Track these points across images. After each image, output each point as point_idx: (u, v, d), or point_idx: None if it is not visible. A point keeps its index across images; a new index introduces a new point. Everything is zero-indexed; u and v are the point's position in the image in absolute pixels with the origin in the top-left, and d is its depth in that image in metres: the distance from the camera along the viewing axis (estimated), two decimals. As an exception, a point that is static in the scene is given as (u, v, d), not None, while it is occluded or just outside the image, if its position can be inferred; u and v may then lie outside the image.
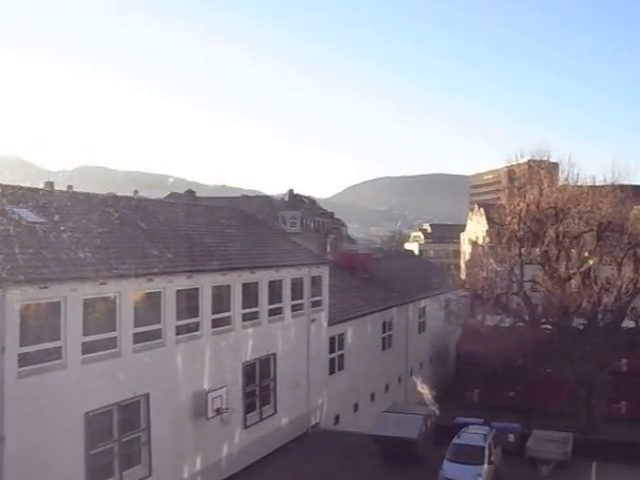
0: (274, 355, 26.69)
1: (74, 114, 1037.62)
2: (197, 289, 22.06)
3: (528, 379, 41.99)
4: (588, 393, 35.09)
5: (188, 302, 21.67)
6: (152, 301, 20.17)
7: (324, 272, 31.21)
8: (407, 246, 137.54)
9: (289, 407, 27.79)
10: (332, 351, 32.30)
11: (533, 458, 25.37)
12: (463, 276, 51.27)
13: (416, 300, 44.55)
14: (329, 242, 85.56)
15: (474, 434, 24.93)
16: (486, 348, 35.91)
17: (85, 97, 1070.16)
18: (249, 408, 25.13)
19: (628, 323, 36.71)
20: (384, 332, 39.14)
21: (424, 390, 37.47)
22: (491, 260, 40.31)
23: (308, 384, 29.46)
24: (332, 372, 32.28)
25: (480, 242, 62.57)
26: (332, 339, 32.23)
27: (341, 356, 33.22)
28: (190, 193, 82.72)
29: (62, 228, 19.08)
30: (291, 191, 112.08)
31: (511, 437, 26.91)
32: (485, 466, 23.02)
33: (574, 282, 35.72)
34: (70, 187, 30.21)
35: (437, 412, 29.14)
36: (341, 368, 33.16)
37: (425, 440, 25.76)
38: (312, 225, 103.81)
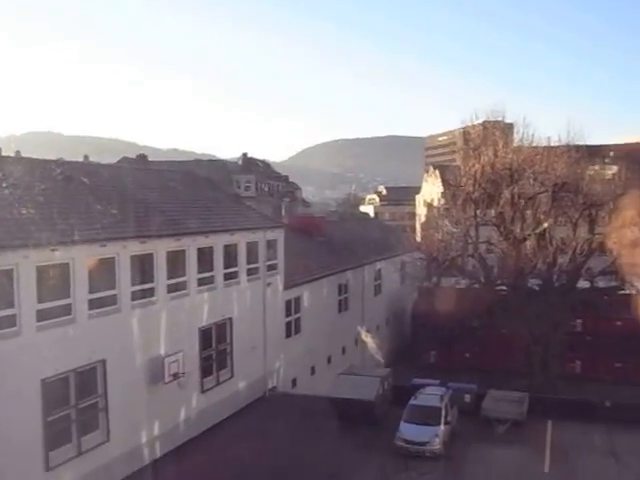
0: (230, 319, 26.48)
1: (20, 78, 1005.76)
2: (151, 254, 21.77)
3: (484, 340, 42.53)
4: (544, 353, 35.66)
5: (143, 267, 21.37)
6: (106, 267, 19.85)
7: (279, 236, 30.92)
8: (362, 209, 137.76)
9: (246, 371, 27.68)
10: (288, 314, 32.16)
11: (489, 418, 25.70)
12: (418, 238, 51.41)
13: (372, 262, 44.52)
14: (284, 206, 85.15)
15: (430, 395, 25.13)
16: (442, 310, 36.16)
17: (32, 61, 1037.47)
18: (206, 372, 25.03)
19: (583, 283, 37.22)
20: (340, 295, 39.10)
21: (368, 339, 37.48)
22: (446, 222, 40.34)
23: (265, 348, 29.34)
24: (289, 335, 32.16)
25: (435, 204, 62.90)
26: (288, 302, 32.07)
27: (297, 319, 33.09)
28: (142, 157, 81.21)
29: (10, 194, 18.46)
30: (245, 155, 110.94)
31: (467, 397, 27.10)
32: (442, 426, 23.25)
33: (529, 243, 36.03)
34: (18, 153, 28.89)
35: (382, 360, 29.18)
36: (298, 331, 33.07)
37: (382, 402, 25.93)
38: (267, 189, 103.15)
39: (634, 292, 37.62)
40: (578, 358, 42.11)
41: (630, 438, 23.95)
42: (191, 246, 23.80)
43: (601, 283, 37.26)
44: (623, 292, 37.96)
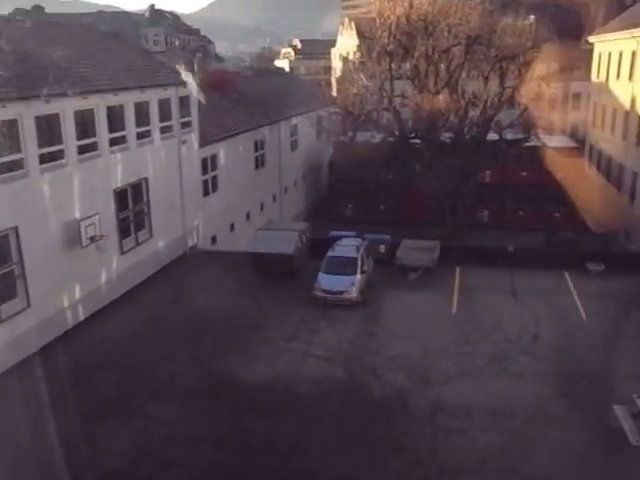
0: (146, 179, 26.17)
1: None
2: (58, 114, 20.80)
3: (398, 193, 43.77)
4: (454, 204, 37.11)
5: (50, 129, 20.49)
6: (9, 129, 18.86)
7: (192, 92, 30.03)
8: (277, 63, 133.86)
9: (165, 230, 27.79)
10: (205, 172, 31.98)
11: (403, 266, 26.89)
12: (334, 92, 50.97)
13: (288, 118, 44.16)
14: (196, 61, 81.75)
15: (347, 246, 25.86)
16: (358, 164, 36.64)
17: None
18: (124, 234, 24.97)
19: (492, 136, 38.20)
20: (257, 151, 38.93)
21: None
22: (361, 75, 40.02)
23: (183, 207, 29.35)
24: (206, 194, 32.15)
25: (351, 57, 61.81)
26: (204, 160, 31.79)
27: (214, 177, 32.96)
28: (38, 9, 75.61)
29: None
30: (152, 6, 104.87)
31: (382, 248, 28.04)
32: (358, 276, 24.21)
33: (442, 97, 36.31)
34: None
35: None
36: (215, 189, 33.05)
37: (300, 255, 26.60)
38: (177, 43, 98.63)
39: (538, 144, 39.12)
40: (486, 208, 44.31)
41: (528, 279, 25.84)
42: (100, 105, 22.87)
43: (509, 135, 38.38)
44: (528, 144, 39.40)
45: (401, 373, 18.65)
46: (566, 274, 26.52)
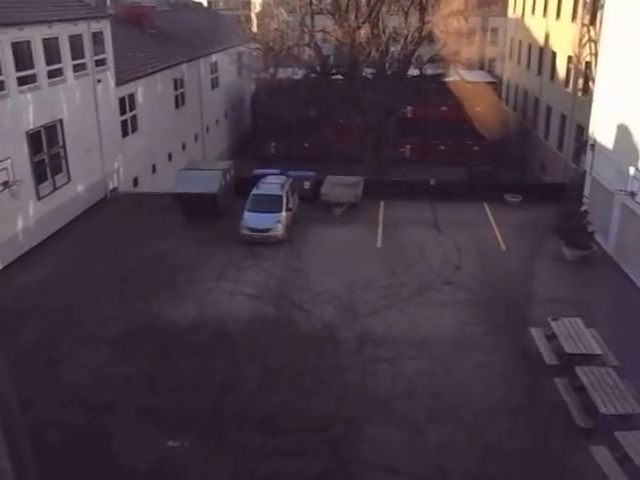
0: (60, 121, 25.17)
1: None
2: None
3: (322, 130, 43.57)
4: (377, 140, 37.18)
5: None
6: None
7: (105, 27, 28.82)
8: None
9: (84, 174, 27.01)
10: (123, 113, 30.94)
11: (327, 202, 27.08)
12: (254, 28, 49.76)
13: (207, 55, 43.00)
14: (108, -6, 77.97)
15: (271, 184, 25.80)
16: (280, 101, 36.14)
17: None
18: (40, 178, 24.10)
19: (413, 71, 38.20)
20: (176, 90, 37.84)
21: None
22: (282, 10, 39.19)
23: (101, 148, 28.49)
24: (125, 134, 31.19)
25: (271, -9, 60.29)
26: (122, 100, 30.73)
27: (133, 117, 31.96)
28: None
29: None
30: None
31: (307, 184, 28.11)
32: (283, 213, 24.27)
33: (363, 32, 35.90)
34: None
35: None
36: (135, 130, 32.09)
37: (225, 194, 26.39)
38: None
39: (458, 79, 39.52)
40: (408, 143, 44.78)
41: (450, 211, 26.60)
42: (3, 41, 21.46)
43: (429, 71, 38.48)
44: (448, 79, 39.71)
45: (329, 307, 18.98)
46: (486, 206, 27.35)
